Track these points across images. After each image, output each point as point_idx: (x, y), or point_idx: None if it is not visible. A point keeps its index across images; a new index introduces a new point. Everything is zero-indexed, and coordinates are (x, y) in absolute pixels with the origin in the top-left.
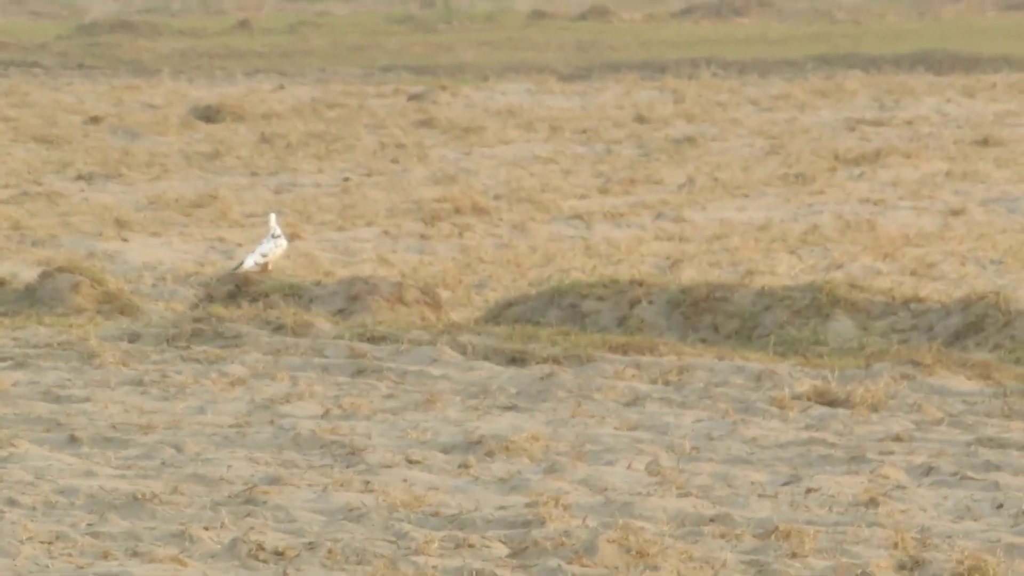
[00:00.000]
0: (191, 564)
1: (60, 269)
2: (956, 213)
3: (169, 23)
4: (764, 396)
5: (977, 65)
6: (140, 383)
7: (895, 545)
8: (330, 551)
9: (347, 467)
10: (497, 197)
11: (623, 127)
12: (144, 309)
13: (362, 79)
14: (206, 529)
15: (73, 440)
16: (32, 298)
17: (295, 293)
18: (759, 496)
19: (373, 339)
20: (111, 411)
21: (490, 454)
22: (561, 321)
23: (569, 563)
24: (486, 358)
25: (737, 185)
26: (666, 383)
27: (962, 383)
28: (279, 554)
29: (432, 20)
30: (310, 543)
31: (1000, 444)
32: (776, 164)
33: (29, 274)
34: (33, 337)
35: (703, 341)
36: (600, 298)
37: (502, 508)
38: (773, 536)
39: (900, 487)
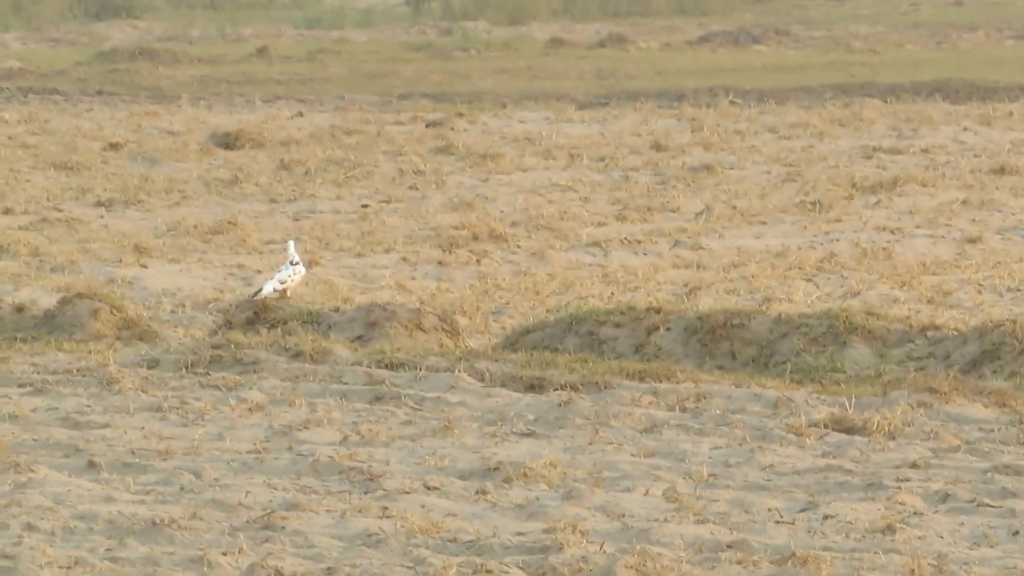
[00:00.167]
0: None
1: (79, 295)
2: (972, 241)
3: (188, 50)
4: (781, 423)
5: (994, 94)
6: (159, 409)
7: (912, 572)
8: None
9: (365, 493)
10: (515, 224)
11: (641, 155)
12: (163, 335)
13: (380, 106)
14: (224, 554)
15: (92, 466)
16: (51, 324)
17: (313, 320)
18: (776, 522)
19: (391, 366)
20: (130, 437)
21: (508, 480)
22: (579, 348)
23: None
24: (504, 385)
25: (754, 213)
26: (683, 410)
27: (979, 411)
28: None
29: (450, 48)
30: (328, 568)
31: (1016, 471)
32: (793, 192)
33: (48, 300)
34: (52, 363)
35: (720, 368)
36: (617, 325)
37: (520, 534)
38: (790, 562)
39: (917, 514)
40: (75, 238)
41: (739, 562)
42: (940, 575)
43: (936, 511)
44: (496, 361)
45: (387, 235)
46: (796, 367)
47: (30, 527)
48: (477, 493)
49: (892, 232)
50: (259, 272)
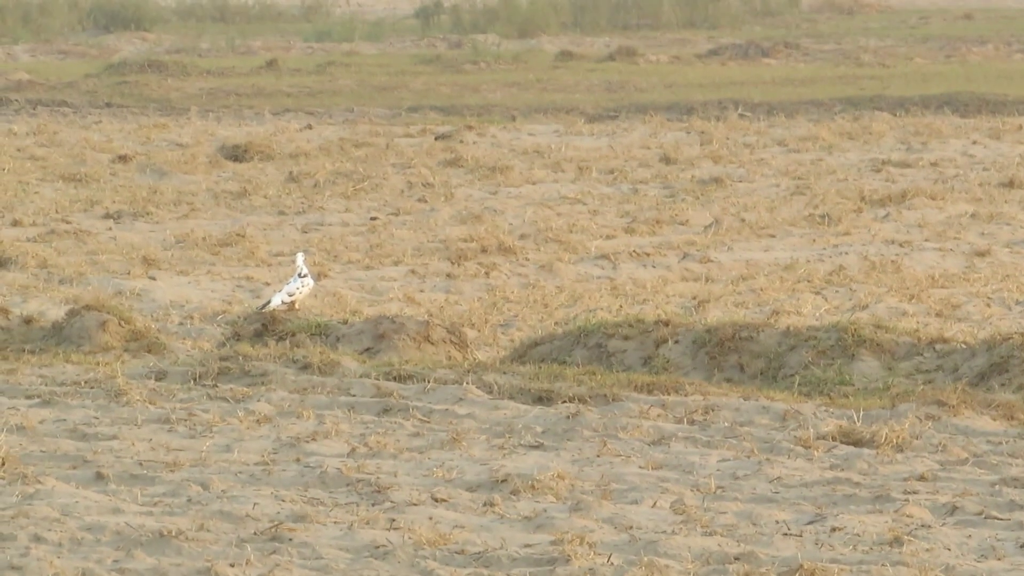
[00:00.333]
0: None
1: (87, 307)
2: (981, 255)
3: (197, 63)
4: (789, 436)
5: (1003, 108)
6: (167, 421)
7: None
8: None
9: (373, 505)
10: (523, 236)
11: (650, 167)
12: (171, 347)
13: (389, 119)
14: (232, 566)
15: (100, 477)
16: (59, 336)
17: (322, 332)
18: (784, 535)
19: (399, 378)
20: (138, 448)
21: (515, 492)
22: (587, 360)
23: None
24: (512, 397)
25: (763, 225)
26: (691, 422)
27: (987, 423)
28: None
29: (459, 60)
30: None
31: None
32: (802, 205)
33: (56, 312)
34: (60, 375)
35: (728, 381)
36: (626, 338)
37: (527, 546)
38: (797, 575)
39: (925, 526)
40: (83, 250)
41: (747, 574)
42: None
43: (944, 524)
44: (504, 373)
45: (396, 247)
46: (804, 380)
47: (38, 538)
48: (485, 505)
49: (901, 245)
50: (267, 284)
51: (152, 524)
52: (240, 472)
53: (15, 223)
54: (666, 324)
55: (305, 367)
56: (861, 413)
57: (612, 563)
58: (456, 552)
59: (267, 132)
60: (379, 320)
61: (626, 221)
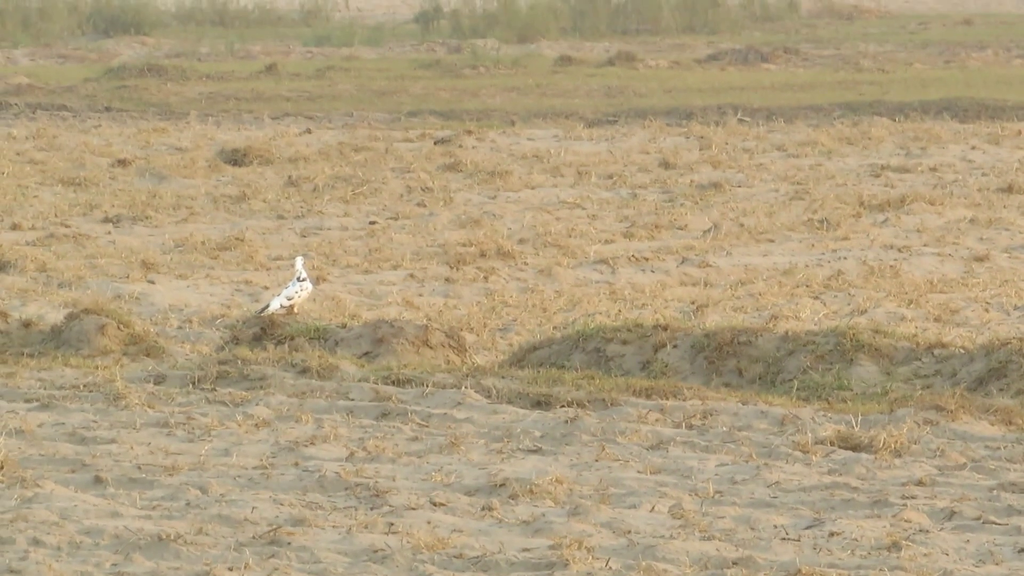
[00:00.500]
0: None
1: (86, 311)
2: (980, 260)
3: (197, 67)
4: (787, 440)
5: (1002, 113)
6: (165, 425)
7: None
8: None
9: (371, 509)
10: (522, 241)
11: (649, 172)
12: (170, 351)
13: (388, 123)
14: (230, 570)
15: (98, 481)
16: (58, 340)
17: (320, 336)
18: (782, 539)
19: (398, 382)
20: (136, 452)
21: (514, 497)
22: (585, 365)
23: None
24: (510, 402)
25: (762, 230)
26: (690, 427)
27: (985, 428)
28: None
29: (459, 65)
30: None
31: (1023, 489)
32: (801, 210)
33: (55, 316)
34: (59, 379)
35: (727, 385)
36: (624, 342)
37: (526, 550)
38: None
39: (923, 531)
40: (82, 254)
41: None
42: None
43: (942, 528)
44: (503, 378)
45: (394, 252)
46: (803, 384)
47: (36, 542)
48: (483, 509)
49: (900, 250)
50: (266, 288)
51: (151, 528)
52: (239, 476)
53: (14, 227)
54: (665, 329)
55: (304, 371)
56: (859, 418)
57: (610, 567)
58: (454, 556)
59: (266, 136)
60: (378, 324)
61: (625, 226)
